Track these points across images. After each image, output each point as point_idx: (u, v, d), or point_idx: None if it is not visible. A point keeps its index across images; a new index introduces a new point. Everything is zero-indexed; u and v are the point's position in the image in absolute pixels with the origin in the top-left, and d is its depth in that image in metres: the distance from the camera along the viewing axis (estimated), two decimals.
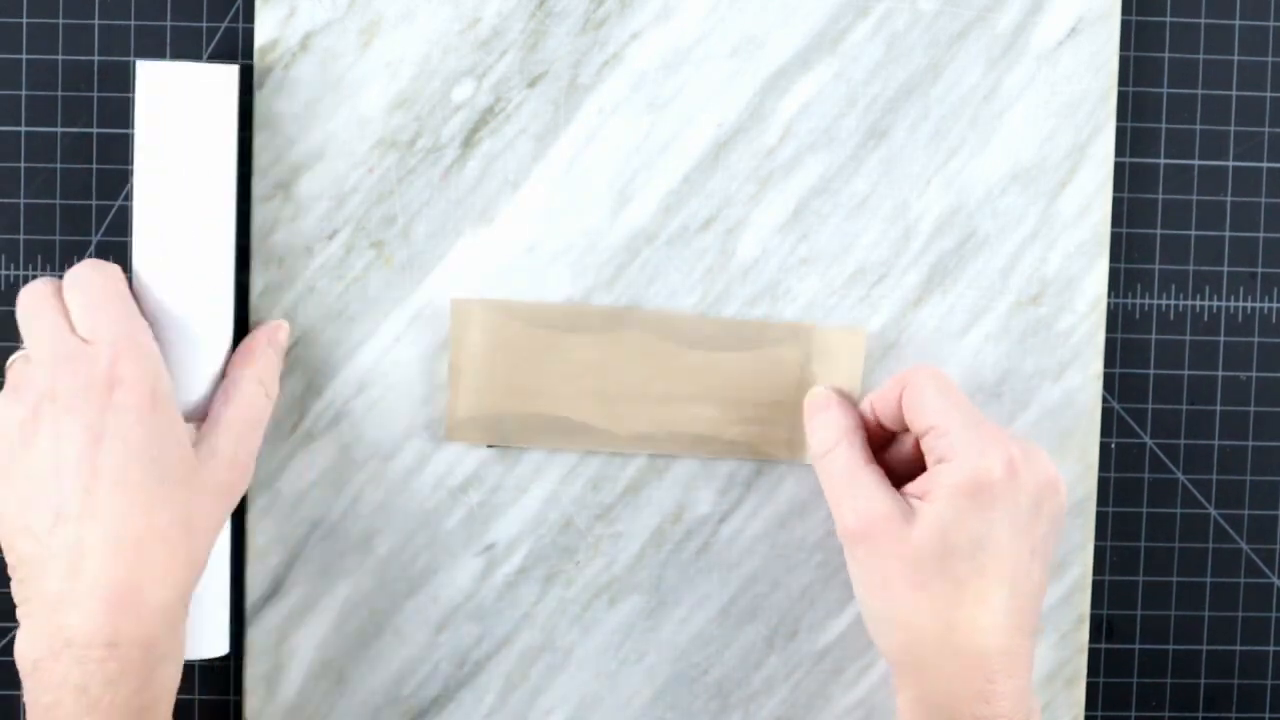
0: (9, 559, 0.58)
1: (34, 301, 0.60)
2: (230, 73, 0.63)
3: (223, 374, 0.64)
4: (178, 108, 0.63)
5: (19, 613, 0.58)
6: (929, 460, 0.60)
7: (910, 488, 0.61)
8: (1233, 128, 0.70)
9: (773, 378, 0.65)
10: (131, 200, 0.67)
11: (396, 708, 0.68)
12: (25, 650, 0.57)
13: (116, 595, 0.56)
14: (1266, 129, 0.70)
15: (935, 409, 0.60)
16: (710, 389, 0.65)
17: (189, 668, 0.70)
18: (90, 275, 0.61)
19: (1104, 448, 0.70)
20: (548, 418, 0.66)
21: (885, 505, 0.59)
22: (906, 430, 0.63)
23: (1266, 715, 0.71)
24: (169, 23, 0.68)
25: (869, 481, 0.60)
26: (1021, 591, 0.59)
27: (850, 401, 0.65)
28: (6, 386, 0.60)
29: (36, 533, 0.57)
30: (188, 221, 0.63)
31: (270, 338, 0.65)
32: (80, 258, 0.69)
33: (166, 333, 0.63)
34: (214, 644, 0.65)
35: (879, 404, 0.63)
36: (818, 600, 0.68)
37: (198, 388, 0.63)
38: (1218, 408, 0.70)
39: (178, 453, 0.59)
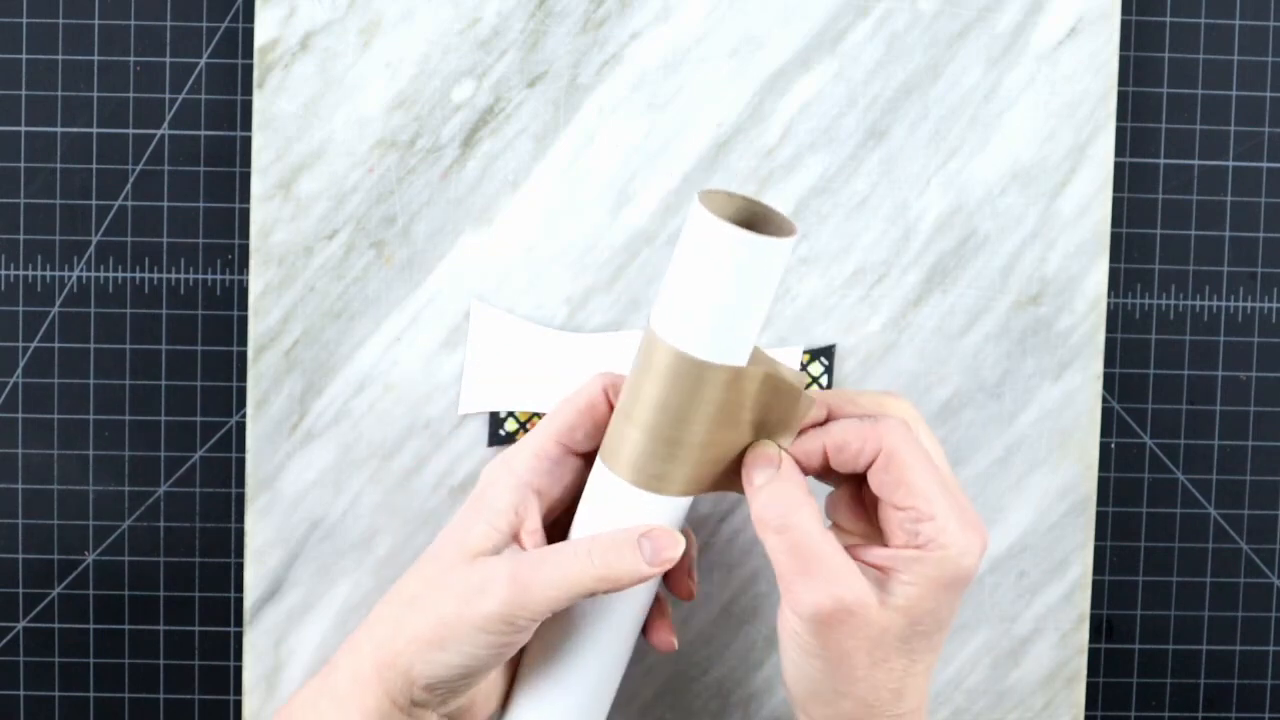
0: None
1: None
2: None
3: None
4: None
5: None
6: (900, 534, 0.57)
7: (873, 556, 0.57)
8: (1233, 128, 0.70)
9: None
10: (130, 201, 0.67)
11: None
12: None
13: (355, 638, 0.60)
14: (1266, 129, 0.70)
15: (921, 488, 0.56)
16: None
17: (189, 668, 0.70)
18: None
19: (1104, 448, 0.70)
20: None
21: (861, 586, 0.56)
22: (850, 475, 0.59)
23: (1266, 715, 0.71)
24: (169, 23, 0.68)
25: (839, 559, 0.56)
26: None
27: (792, 458, 0.58)
28: None
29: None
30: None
31: (649, 532, 0.57)
32: (80, 258, 0.69)
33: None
34: None
35: (834, 450, 0.58)
36: None
37: (584, 527, 0.59)
38: (1218, 408, 0.70)
39: (450, 543, 0.58)
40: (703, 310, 0.54)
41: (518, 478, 0.59)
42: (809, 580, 0.56)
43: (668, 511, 0.58)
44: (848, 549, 0.57)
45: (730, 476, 0.58)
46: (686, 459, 0.57)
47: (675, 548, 0.57)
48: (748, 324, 0.55)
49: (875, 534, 0.59)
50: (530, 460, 0.59)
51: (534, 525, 0.58)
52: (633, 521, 0.57)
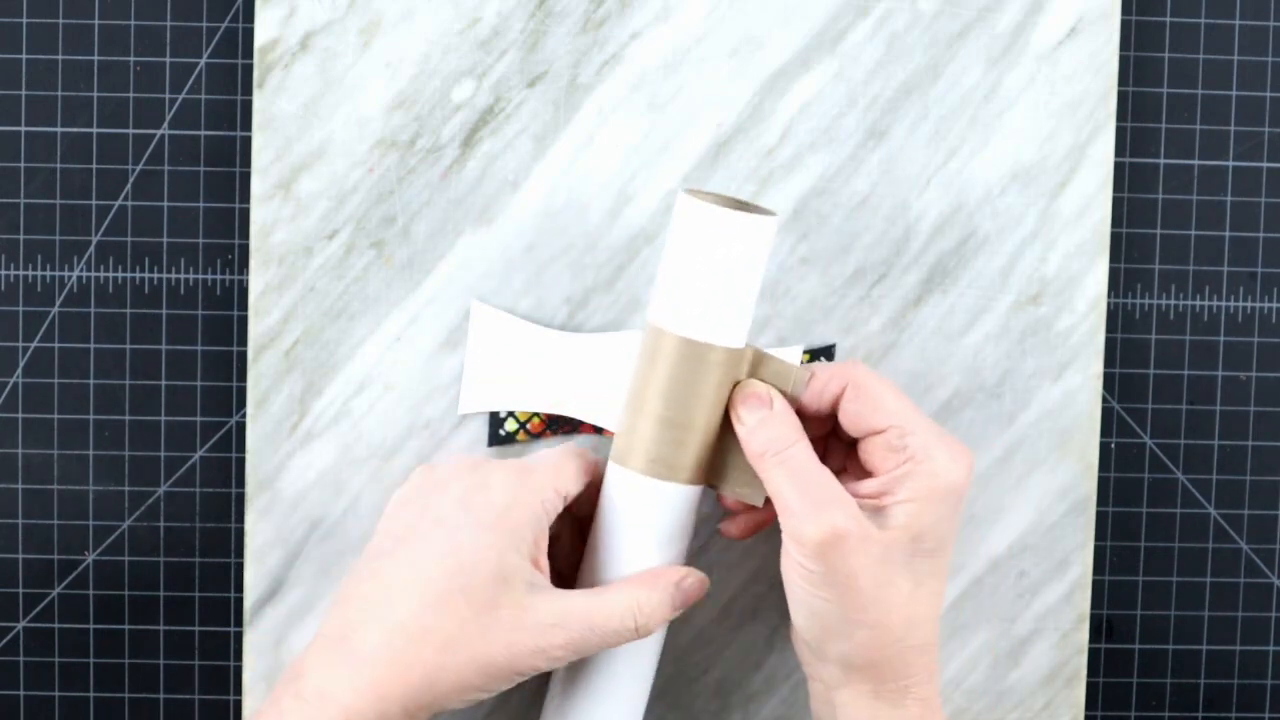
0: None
1: None
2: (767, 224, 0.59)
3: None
4: (712, 254, 0.59)
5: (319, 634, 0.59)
6: (889, 459, 0.59)
7: (865, 488, 0.59)
8: (1233, 128, 0.70)
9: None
10: (130, 201, 0.67)
11: None
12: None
13: (338, 654, 0.57)
14: (1266, 129, 0.70)
15: (896, 409, 0.59)
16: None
17: (189, 668, 0.70)
18: (566, 445, 0.63)
19: (1104, 448, 0.70)
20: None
21: (855, 510, 0.57)
22: (828, 426, 0.62)
23: (1266, 715, 0.71)
24: (169, 23, 0.68)
25: (834, 485, 0.58)
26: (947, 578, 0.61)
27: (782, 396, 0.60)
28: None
29: (374, 569, 0.59)
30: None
31: (680, 582, 0.60)
32: (80, 258, 0.69)
33: (625, 517, 0.61)
34: None
35: (809, 400, 0.60)
36: None
37: (615, 570, 0.61)
38: (1218, 408, 0.70)
39: (489, 579, 0.56)
40: (699, 293, 0.58)
41: (546, 510, 0.59)
42: (810, 506, 0.57)
43: (681, 499, 0.60)
44: None
45: (733, 472, 0.60)
46: (694, 444, 0.59)
47: (701, 591, 0.60)
48: (741, 303, 0.59)
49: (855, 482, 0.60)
50: (555, 499, 0.59)
51: (546, 562, 0.59)
52: (651, 514, 0.60)
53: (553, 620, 0.57)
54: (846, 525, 0.57)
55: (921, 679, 0.59)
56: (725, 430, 0.60)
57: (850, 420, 0.60)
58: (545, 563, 0.59)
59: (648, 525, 0.60)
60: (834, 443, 0.63)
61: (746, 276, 0.59)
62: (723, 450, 0.61)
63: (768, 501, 0.60)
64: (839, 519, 0.57)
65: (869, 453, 0.60)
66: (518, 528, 0.57)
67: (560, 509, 0.60)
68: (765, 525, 0.64)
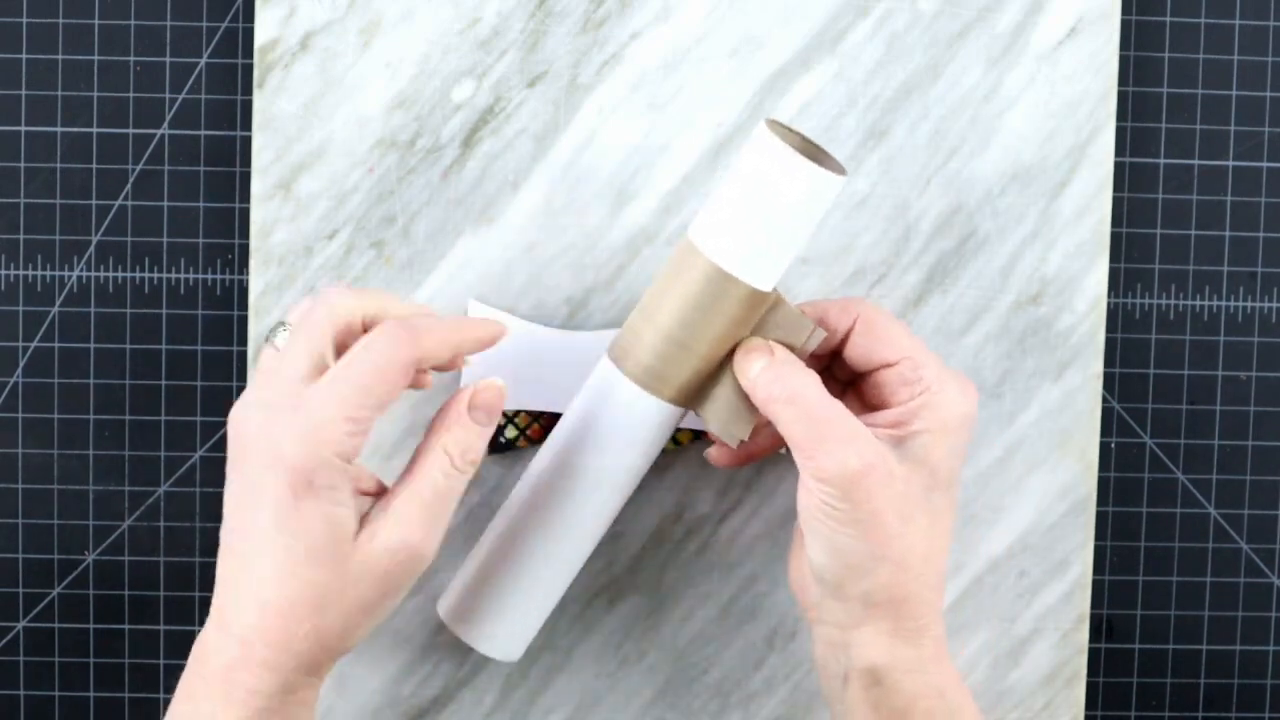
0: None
1: (316, 312, 0.58)
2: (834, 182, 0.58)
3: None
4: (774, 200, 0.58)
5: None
6: (902, 391, 0.59)
7: (881, 419, 0.59)
8: (1233, 128, 0.70)
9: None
10: (130, 201, 0.67)
11: (396, 708, 0.68)
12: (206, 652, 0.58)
13: (227, 637, 0.57)
14: (1266, 129, 0.70)
15: (905, 342, 0.60)
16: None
17: None
18: (377, 340, 0.57)
19: (1104, 448, 0.70)
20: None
21: (876, 443, 0.58)
22: (822, 364, 0.62)
23: (1266, 715, 0.71)
24: (169, 22, 0.68)
25: (851, 420, 0.58)
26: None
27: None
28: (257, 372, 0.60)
29: (229, 545, 0.58)
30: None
31: (472, 400, 0.59)
32: (80, 258, 0.69)
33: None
34: (507, 648, 0.64)
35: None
36: None
37: (578, 452, 0.61)
38: (1218, 407, 0.70)
39: (324, 537, 0.56)
40: (747, 229, 0.58)
41: (338, 454, 0.56)
42: (829, 444, 0.57)
43: (661, 416, 0.60)
44: None
45: (715, 406, 0.60)
46: (691, 368, 0.59)
47: (498, 396, 0.59)
48: (785, 251, 0.58)
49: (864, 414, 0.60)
50: (346, 440, 0.56)
51: (367, 477, 0.59)
52: (627, 419, 0.60)
53: (397, 538, 0.57)
54: (871, 459, 0.57)
55: (935, 618, 0.59)
56: (722, 364, 0.60)
57: (860, 355, 0.60)
58: (366, 480, 0.58)
59: (621, 428, 0.60)
60: (828, 383, 0.62)
61: (798, 226, 0.58)
62: (713, 382, 0.60)
63: (752, 437, 0.60)
64: (865, 452, 0.57)
65: (879, 386, 0.60)
66: (333, 485, 0.56)
67: (368, 432, 0.57)
68: (753, 458, 0.64)
